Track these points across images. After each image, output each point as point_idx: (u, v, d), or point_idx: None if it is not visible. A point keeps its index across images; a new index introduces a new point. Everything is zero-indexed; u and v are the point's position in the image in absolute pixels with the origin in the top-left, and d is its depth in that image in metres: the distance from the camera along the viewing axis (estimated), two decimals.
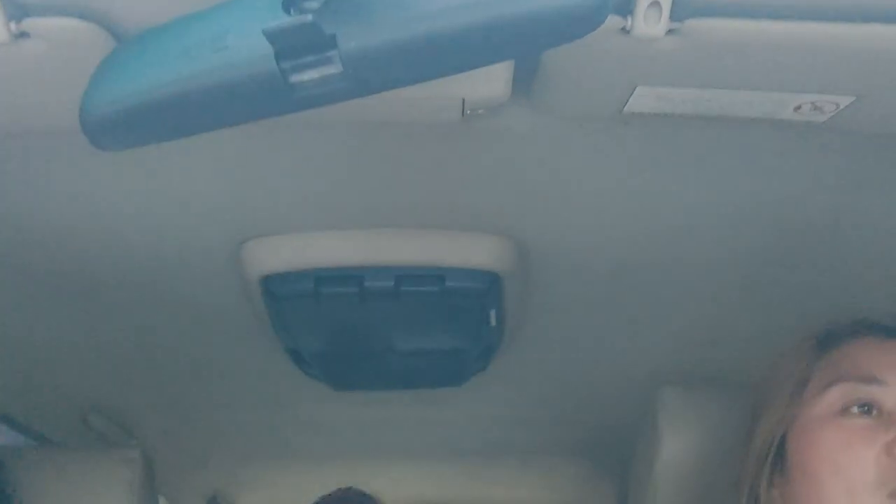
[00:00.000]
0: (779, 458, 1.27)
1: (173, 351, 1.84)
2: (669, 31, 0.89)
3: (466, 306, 1.55)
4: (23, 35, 0.90)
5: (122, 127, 0.84)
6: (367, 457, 2.54)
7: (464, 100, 1.04)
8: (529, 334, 1.76)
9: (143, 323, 1.70)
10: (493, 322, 1.61)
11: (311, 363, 1.80)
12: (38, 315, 1.63)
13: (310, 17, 0.73)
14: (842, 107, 1.03)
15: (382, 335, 1.68)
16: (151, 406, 2.11)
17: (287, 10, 0.77)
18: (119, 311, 1.64)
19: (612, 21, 0.88)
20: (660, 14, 0.87)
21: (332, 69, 0.75)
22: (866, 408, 1.21)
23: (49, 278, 1.50)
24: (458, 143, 1.19)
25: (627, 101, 1.04)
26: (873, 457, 1.16)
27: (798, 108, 1.04)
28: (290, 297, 1.50)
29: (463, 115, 1.07)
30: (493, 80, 1.01)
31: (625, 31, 0.89)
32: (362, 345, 1.73)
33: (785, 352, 1.34)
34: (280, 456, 2.53)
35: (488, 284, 1.49)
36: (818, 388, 1.25)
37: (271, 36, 0.74)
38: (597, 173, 1.26)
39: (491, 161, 1.23)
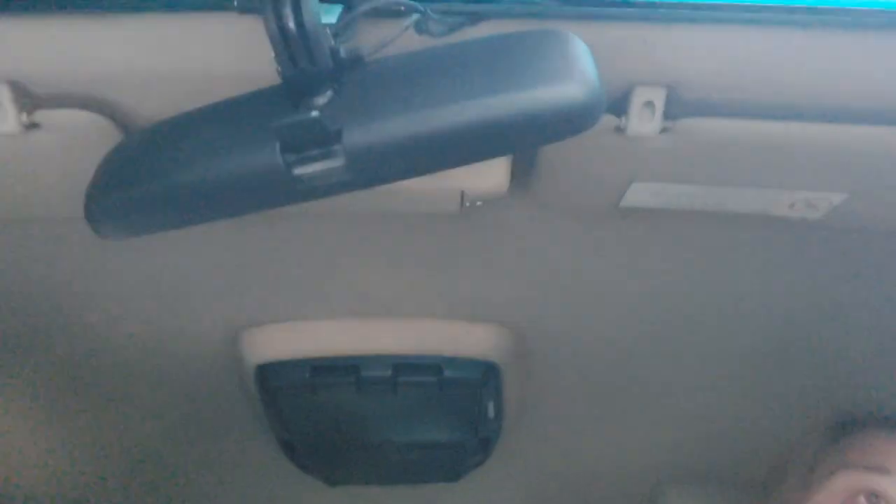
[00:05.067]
0: None
1: (165, 444, 1.79)
2: (663, 130, 0.92)
3: (464, 397, 1.53)
4: (33, 126, 0.92)
5: (126, 216, 0.85)
6: None
7: (463, 192, 1.06)
8: (528, 427, 1.73)
9: (135, 413, 1.66)
10: (492, 414, 1.58)
11: (306, 456, 1.76)
12: (25, 403, 1.60)
13: (316, 112, 0.75)
14: (835, 204, 1.05)
15: (378, 426, 1.65)
16: (139, 501, 2.05)
17: (294, 106, 0.79)
18: (111, 401, 1.61)
19: (607, 120, 0.91)
20: (653, 113, 0.90)
21: (336, 163, 0.77)
22: (874, 497, 1.19)
23: (42, 364, 1.49)
24: (457, 234, 1.20)
25: (624, 195, 1.06)
26: None
27: (792, 205, 1.06)
28: (285, 387, 1.48)
29: (462, 206, 1.09)
30: (491, 174, 1.03)
31: (619, 129, 0.92)
32: (358, 437, 1.69)
33: (795, 439, 1.34)
34: None
35: (487, 375, 1.47)
36: (824, 475, 1.25)
37: (277, 131, 0.76)
38: (595, 265, 1.26)
39: (489, 251, 1.24)
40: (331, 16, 0.80)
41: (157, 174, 0.83)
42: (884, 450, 1.24)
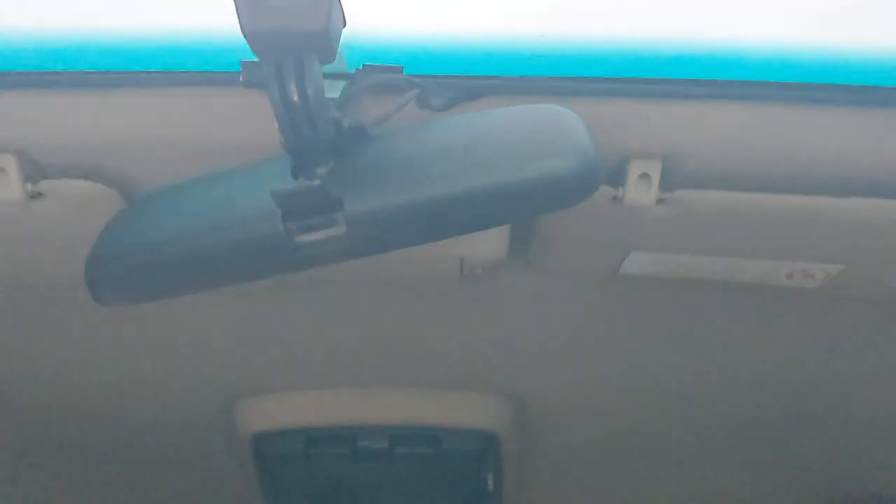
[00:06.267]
0: None
1: None
2: (660, 201, 0.93)
3: (463, 469, 1.50)
4: (37, 195, 0.94)
5: (126, 284, 0.85)
6: None
7: (462, 259, 1.06)
8: (529, 501, 1.69)
9: (127, 482, 1.63)
10: (491, 486, 1.55)
11: None
12: (21, 473, 1.56)
13: (318, 182, 0.76)
14: (832, 274, 1.05)
15: (374, 499, 1.61)
16: None
17: (296, 175, 0.81)
18: (103, 469, 1.58)
19: (605, 191, 0.93)
20: (650, 185, 0.92)
21: (337, 230, 0.78)
22: None
23: (32, 429, 1.46)
24: (457, 301, 1.20)
25: (622, 264, 1.07)
26: None
27: (790, 274, 1.07)
28: (280, 457, 1.46)
29: (461, 274, 1.09)
30: (490, 242, 1.04)
31: (617, 199, 0.93)
32: None
33: None
34: None
35: (486, 446, 1.45)
36: None
37: (279, 199, 0.77)
38: (593, 332, 1.26)
39: (488, 319, 1.24)
40: (334, 90, 0.83)
41: (158, 242, 0.84)
42: None
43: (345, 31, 0.74)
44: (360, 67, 0.85)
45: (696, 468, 1.57)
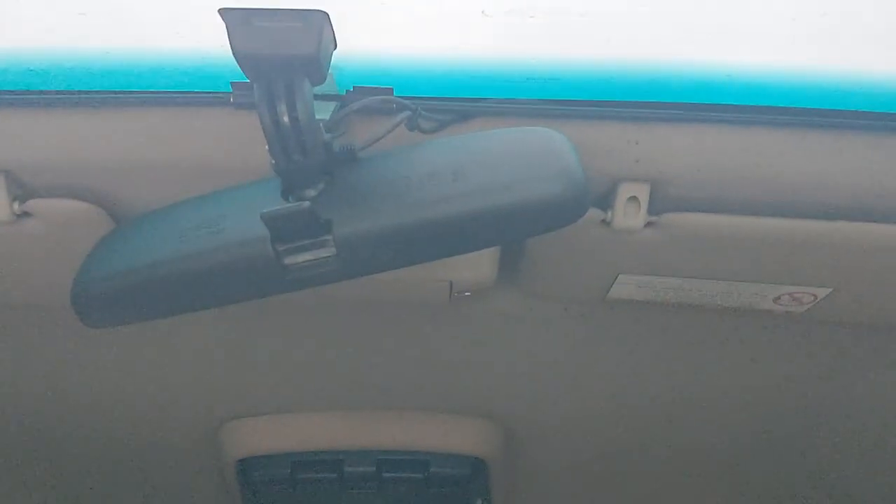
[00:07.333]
0: None
1: None
2: (648, 224, 0.94)
3: (451, 494, 1.48)
4: (25, 215, 0.93)
5: (113, 305, 0.85)
6: None
7: (451, 282, 1.06)
8: None
9: None
10: None
11: None
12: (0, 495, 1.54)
13: (307, 203, 0.77)
14: (820, 298, 1.06)
15: None
16: None
17: (286, 197, 0.81)
18: (87, 495, 1.55)
19: (593, 213, 0.93)
20: (638, 208, 0.92)
21: (326, 252, 0.78)
22: None
23: (15, 452, 1.44)
24: (445, 324, 1.20)
25: (610, 287, 1.07)
26: None
27: (777, 298, 1.07)
28: (266, 483, 1.44)
29: (450, 296, 1.09)
30: (479, 265, 1.04)
31: (605, 223, 0.94)
32: None
33: None
34: None
35: (475, 471, 1.44)
36: None
37: (268, 220, 0.77)
38: (581, 356, 1.26)
39: (477, 342, 1.24)
40: (325, 112, 0.83)
41: (146, 263, 0.84)
42: None
43: (335, 53, 0.75)
44: (351, 89, 0.85)
45: (685, 492, 1.56)
